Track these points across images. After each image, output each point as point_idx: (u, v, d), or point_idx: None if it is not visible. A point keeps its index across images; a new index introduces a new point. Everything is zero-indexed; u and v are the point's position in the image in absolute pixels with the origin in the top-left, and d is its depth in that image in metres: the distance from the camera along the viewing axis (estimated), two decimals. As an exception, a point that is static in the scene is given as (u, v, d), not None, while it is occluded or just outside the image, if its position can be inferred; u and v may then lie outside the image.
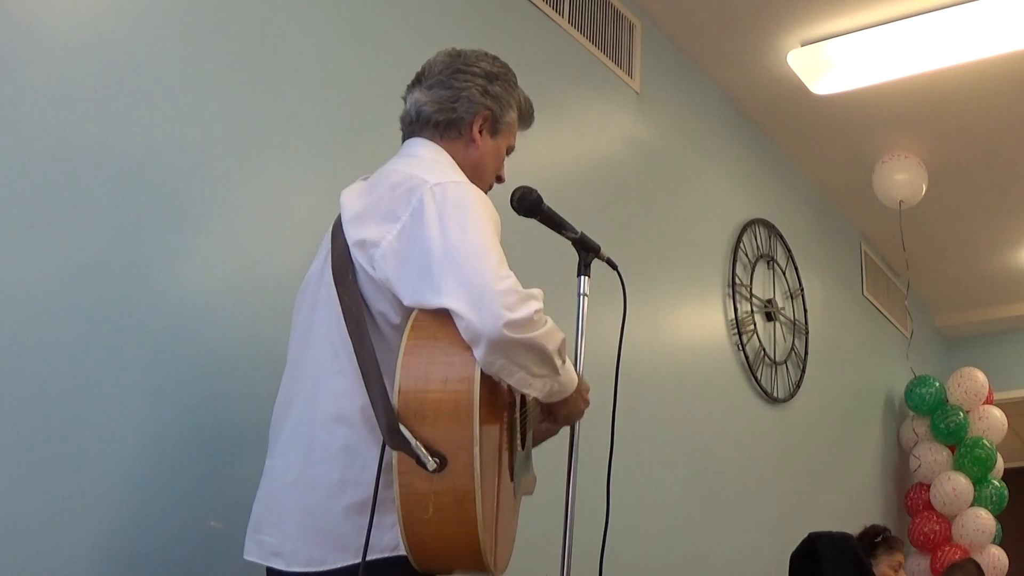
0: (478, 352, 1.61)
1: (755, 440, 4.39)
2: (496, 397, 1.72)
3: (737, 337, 4.35)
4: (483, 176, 1.99)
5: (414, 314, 1.69)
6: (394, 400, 1.63)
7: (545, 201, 2.00)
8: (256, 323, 2.22)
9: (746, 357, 4.38)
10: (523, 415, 1.96)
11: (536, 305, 1.63)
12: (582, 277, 2.02)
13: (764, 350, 4.53)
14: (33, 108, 1.92)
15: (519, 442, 1.89)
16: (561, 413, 1.91)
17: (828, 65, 4.25)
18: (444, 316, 1.64)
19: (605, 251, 2.07)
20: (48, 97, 1.95)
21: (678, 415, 3.85)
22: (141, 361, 2.02)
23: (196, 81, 2.24)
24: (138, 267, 2.05)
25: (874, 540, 4.03)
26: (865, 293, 5.80)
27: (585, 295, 2.01)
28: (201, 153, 2.22)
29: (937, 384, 5.76)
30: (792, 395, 4.73)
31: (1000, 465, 5.82)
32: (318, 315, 1.83)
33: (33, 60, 1.94)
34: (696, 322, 4.12)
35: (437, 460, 1.58)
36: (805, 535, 3.58)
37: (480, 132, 1.97)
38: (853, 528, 3.95)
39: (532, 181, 2.11)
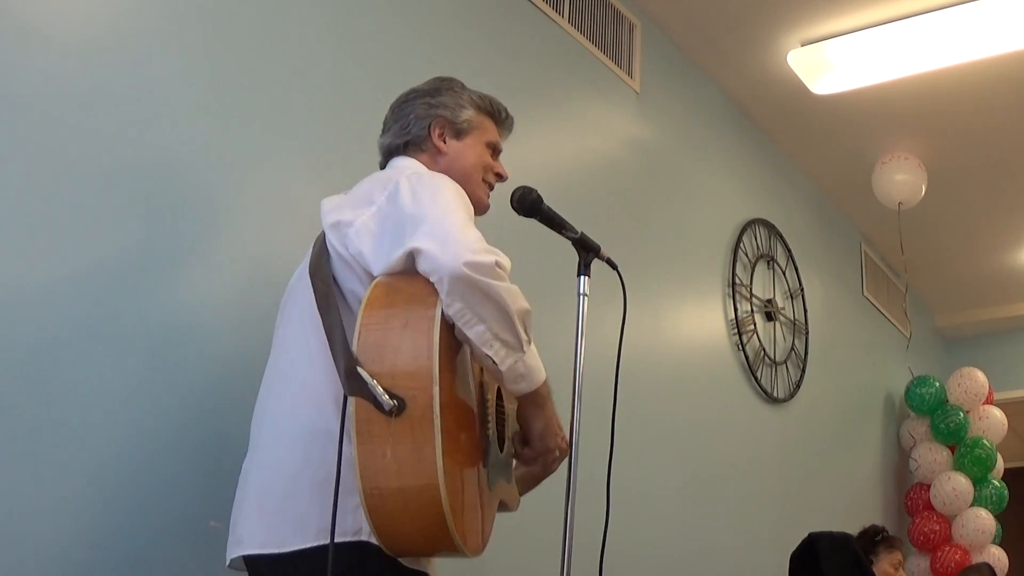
0: (440, 291, 1.64)
1: (755, 440, 4.39)
2: (460, 364, 1.72)
3: (737, 337, 4.35)
4: (469, 178, 2.03)
5: (379, 276, 1.73)
6: (354, 346, 1.63)
7: (545, 201, 2.00)
8: (258, 323, 2.22)
9: (746, 357, 4.38)
10: (500, 411, 1.96)
11: (499, 259, 1.68)
12: (582, 277, 2.02)
13: (764, 350, 4.53)
14: (37, 111, 1.92)
15: (490, 427, 1.87)
16: (537, 426, 1.88)
17: (828, 65, 4.25)
18: (407, 275, 1.69)
19: (605, 251, 2.07)
20: (52, 100, 1.95)
21: (678, 415, 3.85)
22: (141, 360, 2.02)
23: (199, 84, 2.24)
24: (139, 268, 2.05)
25: (874, 539, 4.04)
26: (865, 293, 5.80)
27: (585, 295, 2.01)
28: (204, 155, 2.22)
29: (937, 384, 5.76)
30: (792, 395, 4.73)
31: (1000, 465, 5.82)
32: (293, 315, 1.87)
33: (37, 63, 1.94)
34: (696, 322, 4.12)
35: (395, 402, 1.57)
36: (805, 535, 3.58)
37: (442, 139, 2.04)
38: (853, 528, 3.96)
39: (532, 181, 2.11)
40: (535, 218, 2.01)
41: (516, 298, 1.71)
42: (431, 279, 1.65)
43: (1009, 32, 3.95)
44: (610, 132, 3.76)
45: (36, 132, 1.92)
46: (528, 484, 2.22)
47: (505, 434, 2.00)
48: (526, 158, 3.23)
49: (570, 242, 2.04)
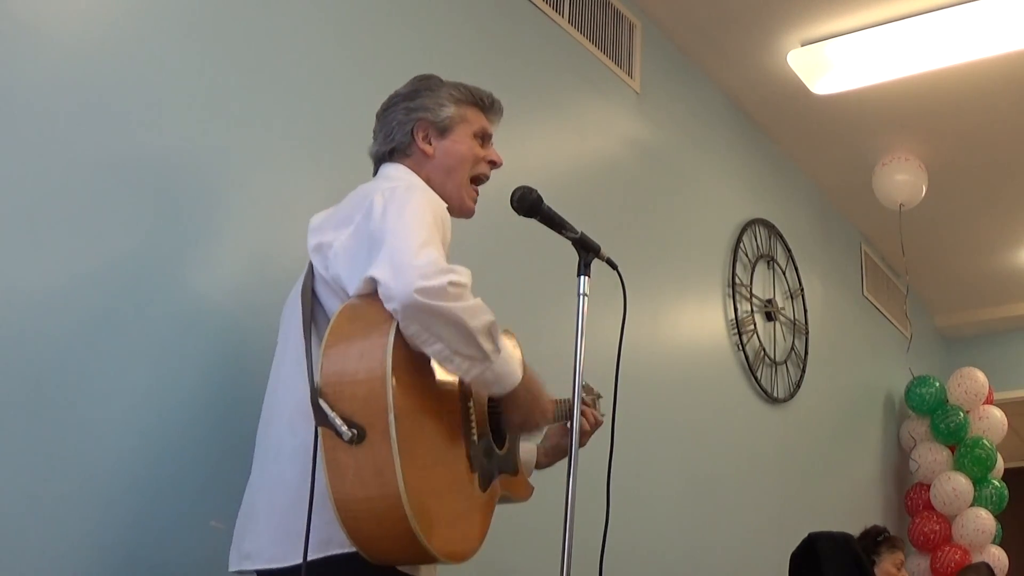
0: (396, 316, 1.68)
1: (755, 440, 4.39)
2: (427, 377, 1.75)
3: (737, 337, 4.35)
4: (456, 173, 2.05)
5: (349, 298, 1.77)
6: (317, 377, 1.69)
7: (545, 201, 2.00)
8: (261, 323, 2.22)
9: (746, 357, 4.38)
10: (494, 409, 1.98)
11: (453, 278, 1.69)
12: (582, 277, 2.02)
13: (764, 350, 4.53)
14: (39, 111, 1.92)
15: (474, 433, 1.89)
16: (513, 420, 1.93)
17: (828, 65, 4.25)
18: (371, 297, 1.72)
19: (605, 251, 2.07)
20: (53, 100, 1.95)
21: (678, 415, 3.85)
22: (143, 361, 2.02)
23: (201, 84, 2.24)
24: (141, 268, 2.05)
25: (877, 539, 4.04)
26: (865, 293, 5.80)
27: (585, 295, 2.01)
28: (206, 155, 2.23)
29: (937, 384, 5.76)
30: (792, 395, 4.73)
31: (1000, 465, 5.82)
32: (290, 329, 1.90)
33: (39, 63, 1.93)
34: (696, 322, 4.12)
35: (354, 431, 1.63)
36: (805, 535, 3.58)
37: (427, 141, 2.04)
38: (853, 528, 3.95)
39: (532, 181, 2.11)
40: (535, 218, 2.01)
41: (475, 314, 1.71)
42: (387, 306, 1.69)
43: (1009, 32, 3.95)
44: (610, 132, 3.76)
45: (39, 133, 1.91)
46: (557, 455, 2.27)
47: (506, 426, 2.01)
48: (526, 158, 3.23)
49: (570, 242, 2.04)
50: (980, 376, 5.77)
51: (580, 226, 2.05)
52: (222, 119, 2.29)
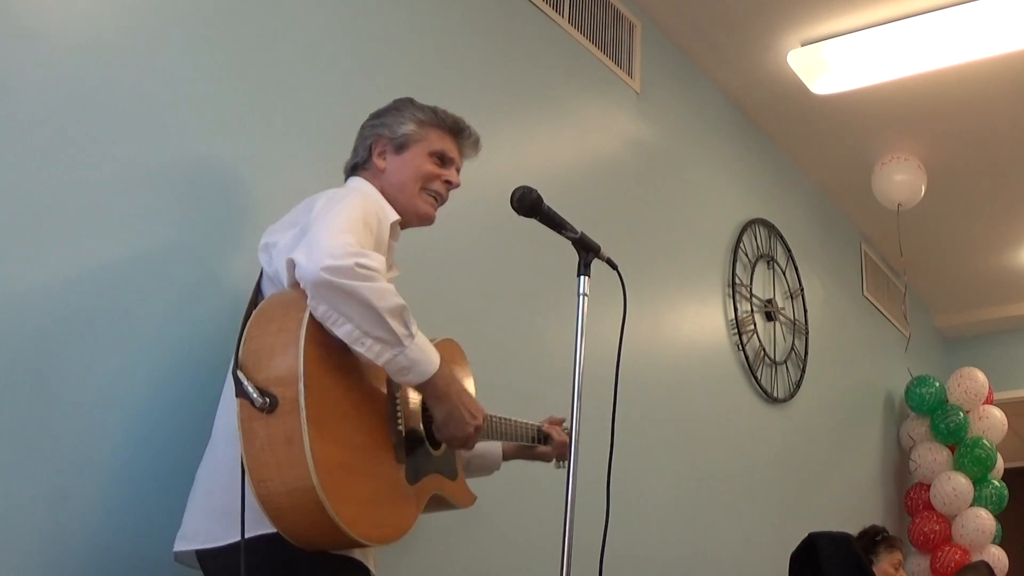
0: (308, 296, 1.73)
1: (755, 440, 4.39)
2: (349, 360, 1.77)
3: (737, 337, 4.35)
4: (407, 188, 2.10)
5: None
6: (240, 351, 1.74)
7: (545, 201, 2.01)
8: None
9: (746, 357, 4.38)
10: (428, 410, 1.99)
11: (362, 260, 1.73)
12: (582, 277, 2.03)
13: (764, 350, 4.54)
14: (47, 120, 1.92)
15: (400, 424, 1.91)
16: (438, 416, 1.90)
17: (828, 65, 4.25)
18: (297, 285, 1.79)
19: (605, 251, 2.07)
20: (76, 105, 1.95)
21: (678, 415, 3.85)
22: (145, 362, 2.02)
23: (218, 92, 2.25)
24: (153, 268, 2.05)
25: (875, 539, 4.05)
26: (865, 293, 5.80)
27: (585, 295, 2.02)
28: (221, 158, 2.23)
29: (937, 384, 5.76)
30: (792, 395, 4.73)
31: (1000, 465, 5.83)
32: None
33: (61, 70, 1.94)
34: (696, 322, 4.12)
35: (266, 399, 1.67)
36: (805, 535, 3.58)
37: (382, 157, 2.11)
38: (853, 528, 3.96)
39: (532, 181, 2.11)
40: (535, 218, 2.02)
41: (384, 295, 1.74)
42: (301, 286, 1.74)
43: (1009, 32, 3.95)
44: (610, 132, 3.76)
45: (50, 138, 1.92)
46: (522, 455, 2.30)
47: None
48: (526, 158, 3.23)
49: (570, 242, 2.04)
50: (980, 376, 5.78)
51: (580, 226, 2.05)
52: (235, 124, 2.29)
